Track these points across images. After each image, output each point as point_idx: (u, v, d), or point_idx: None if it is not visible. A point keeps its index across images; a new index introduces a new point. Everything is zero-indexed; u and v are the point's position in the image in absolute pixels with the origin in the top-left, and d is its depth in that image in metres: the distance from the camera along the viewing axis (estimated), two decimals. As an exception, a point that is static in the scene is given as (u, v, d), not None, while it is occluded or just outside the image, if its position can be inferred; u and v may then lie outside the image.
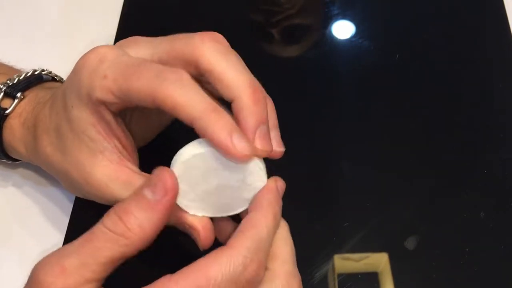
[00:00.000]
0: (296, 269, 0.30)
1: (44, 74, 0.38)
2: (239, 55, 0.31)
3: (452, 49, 0.46)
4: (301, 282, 0.30)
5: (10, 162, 0.38)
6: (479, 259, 0.36)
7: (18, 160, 0.39)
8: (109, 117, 0.31)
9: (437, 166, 0.40)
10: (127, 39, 0.32)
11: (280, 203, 0.30)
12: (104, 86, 0.29)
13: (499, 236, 0.37)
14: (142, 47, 0.31)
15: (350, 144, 0.41)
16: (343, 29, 0.47)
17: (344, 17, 0.48)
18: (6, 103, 0.36)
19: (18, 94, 0.35)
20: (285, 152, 0.32)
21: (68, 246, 0.27)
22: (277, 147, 0.31)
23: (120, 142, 0.32)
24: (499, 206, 0.38)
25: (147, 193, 0.27)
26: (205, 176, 0.29)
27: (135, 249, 0.27)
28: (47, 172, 0.36)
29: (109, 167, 0.31)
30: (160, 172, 0.28)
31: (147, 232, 0.26)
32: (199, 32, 0.30)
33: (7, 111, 0.35)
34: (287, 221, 0.38)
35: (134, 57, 0.30)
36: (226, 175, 0.29)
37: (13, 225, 0.39)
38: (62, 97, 0.32)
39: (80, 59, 0.31)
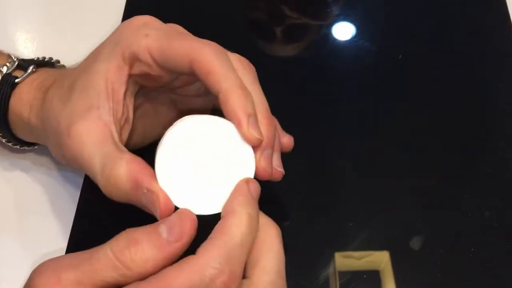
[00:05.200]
0: (281, 280, 0.27)
1: (54, 61, 0.39)
2: (240, 53, 0.32)
3: (454, 50, 0.46)
4: None
5: (11, 144, 0.38)
6: (484, 259, 0.35)
7: (17, 145, 0.38)
8: (125, 83, 0.31)
9: (441, 166, 0.40)
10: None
11: (255, 206, 0.28)
12: (144, 43, 0.30)
13: (504, 236, 0.36)
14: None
15: (351, 143, 0.41)
16: (345, 30, 0.47)
17: (346, 17, 0.48)
18: (18, 73, 0.36)
19: (31, 67, 0.36)
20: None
21: (69, 257, 0.26)
22: (278, 167, 0.31)
23: (118, 113, 0.31)
24: (504, 206, 0.38)
25: (163, 230, 0.26)
26: (200, 142, 0.29)
27: (131, 281, 0.26)
28: (54, 160, 0.35)
29: (95, 124, 0.30)
30: (182, 214, 0.27)
31: (148, 269, 0.25)
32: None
33: (17, 79, 0.35)
34: (290, 220, 0.37)
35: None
36: (219, 146, 0.29)
37: (20, 212, 0.39)
38: (93, 54, 0.33)
39: (122, 23, 0.32)
